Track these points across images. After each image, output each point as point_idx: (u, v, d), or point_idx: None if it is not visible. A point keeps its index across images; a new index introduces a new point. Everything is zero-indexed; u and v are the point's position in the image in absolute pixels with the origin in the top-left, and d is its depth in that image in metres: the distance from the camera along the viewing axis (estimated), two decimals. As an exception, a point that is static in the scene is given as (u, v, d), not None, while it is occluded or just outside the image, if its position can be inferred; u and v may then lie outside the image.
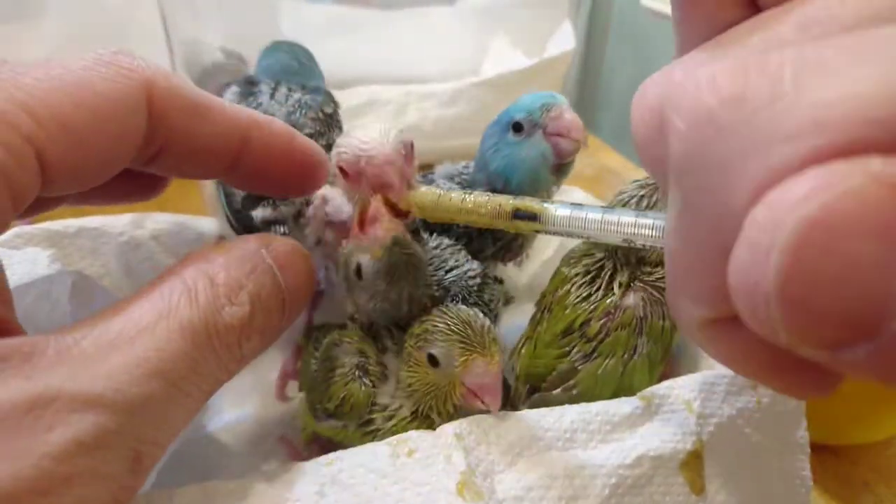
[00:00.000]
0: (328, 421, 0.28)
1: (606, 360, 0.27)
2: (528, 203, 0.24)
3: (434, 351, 0.25)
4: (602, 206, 0.23)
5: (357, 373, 0.27)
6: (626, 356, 0.27)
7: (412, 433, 0.23)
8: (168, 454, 0.28)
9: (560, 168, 0.30)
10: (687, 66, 0.14)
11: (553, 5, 0.65)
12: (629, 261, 0.29)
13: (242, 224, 0.33)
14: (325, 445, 0.32)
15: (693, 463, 0.23)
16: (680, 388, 0.25)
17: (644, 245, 0.22)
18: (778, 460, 0.25)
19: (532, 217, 0.24)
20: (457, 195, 0.26)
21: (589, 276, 0.29)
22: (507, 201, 0.25)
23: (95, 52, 0.20)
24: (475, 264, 0.31)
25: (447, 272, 0.30)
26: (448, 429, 0.22)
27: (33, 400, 0.15)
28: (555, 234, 0.24)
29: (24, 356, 0.16)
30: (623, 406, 0.24)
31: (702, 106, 0.12)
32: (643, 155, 0.16)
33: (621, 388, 0.27)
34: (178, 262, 0.20)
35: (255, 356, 0.21)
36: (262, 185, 0.25)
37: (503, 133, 0.31)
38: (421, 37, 0.62)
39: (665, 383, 0.25)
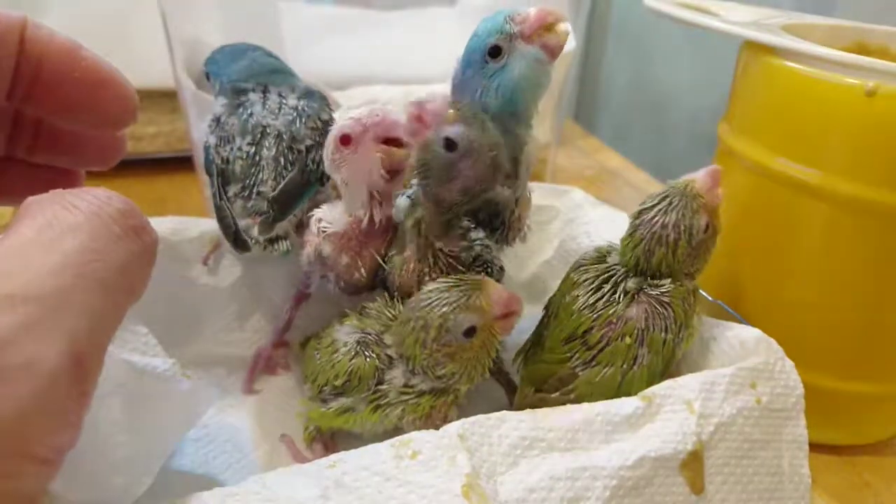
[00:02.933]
0: (337, 401, 0.29)
1: (605, 369, 0.28)
2: None
3: (466, 324, 0.26)
4: None
5: (359, 348, 0.28)
6: (625, 366, 0.27)
7: (414, 434, 0.23)
8: (168, 456, 0.28)
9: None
10: None
11: (553, 5, 0.65)
12: (638, 270, 0.29)
13: (241, 244, 0.33)
14: (327, 445, 0.32)
15: (693, 463, 0.23)
16: (681, 388, 0.25)
17: None
18: (777, 459, 0.25)
19: None
20: None
21: (596, 284, 0.29)
22: None
23: None
24: (497, 253, 0.32)
25: (475, 240, 0.31)
26: (451, 429, 0.23)
27: None
28: None
29: None
30: (624, 406, 0.24)
31: None
32: None
33: (618, 398, 0.27)
34: (32, 204, 0.19)
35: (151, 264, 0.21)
36: (53, 104, 0.23)
37: (482, 68, 0.29)
38: (421, 37, 0.62)
39: (666, 383, 0.25)
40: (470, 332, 0.26)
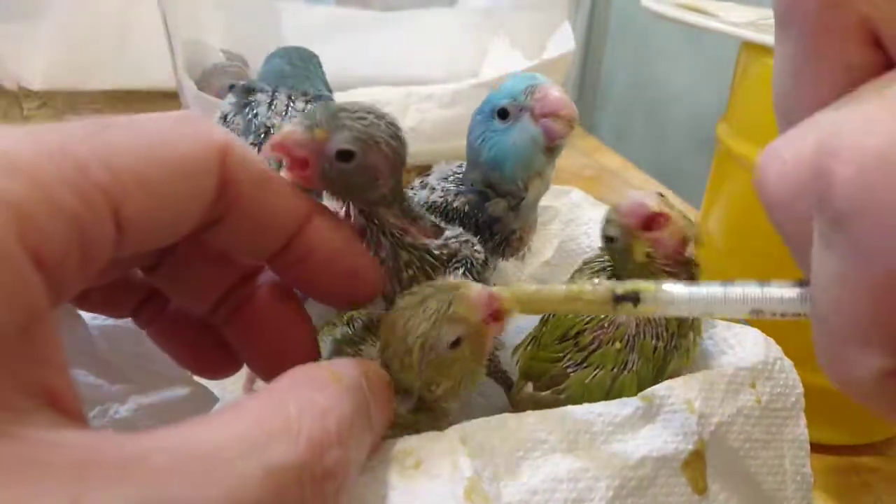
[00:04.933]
0: None
1: (595, 371, 0.28)
2: (639, 285, 0.23)
3: (450, 337, 0.24)
4: (719, 283, 0.22)
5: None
6: (615, 370, 0.27)
7: (414, 441, 0.22)
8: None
9: (553, 149, 0.30)
10: (836, 116, 0.15)
11: (553, 6, 0.65)
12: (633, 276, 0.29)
13: None
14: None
15: (695, 463, 0.23)
16: (680, 388, 0.25)
17: (775, 315, 0.21)
18: (779, 457, 0.25)
19: (637, 299, 0.22)
20: (558, 286, 0.25)
21: None
22: (614, 286, 0.23)
23: (176, 113, 0.20)
24: (482, 249, 0.31)
25: (450, 238, 0.29)
26: (452, 433, 0.22)
27: None
28: (674, 314, 0.24)
29: (73, 462, 0.13)
30: (625, 407, 0.24)
31: (869, 148, 0.13)
32: (778, 215, 0.16)
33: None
34: (283, 378, 0.18)
35: None
36: (304, 282, 0.24)
37: (488, 121, 0.30)
38: (421, 38, 0.62)
39: (665, 383, 0.25)
40: (455, 343, 0.24)
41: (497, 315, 0.25)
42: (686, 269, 0.28)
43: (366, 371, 0.20)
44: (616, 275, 0.29)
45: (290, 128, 0.24)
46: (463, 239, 0.30)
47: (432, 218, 0.30)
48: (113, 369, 0.30)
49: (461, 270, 0.29)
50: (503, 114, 0.29)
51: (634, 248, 0.27)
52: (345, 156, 0.24)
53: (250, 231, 0.22)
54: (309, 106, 0.35)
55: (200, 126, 0.20)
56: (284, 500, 0.15)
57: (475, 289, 0.25)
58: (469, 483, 0.21)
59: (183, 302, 0.25)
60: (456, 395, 0.26)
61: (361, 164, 0.24)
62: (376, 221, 0.27)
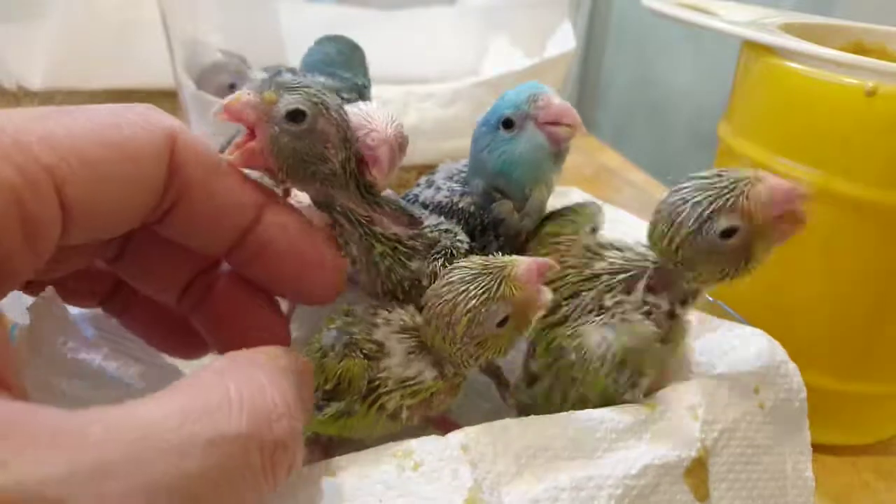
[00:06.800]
0: (330, 406, 0.28)
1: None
2: None
3: (500, 315, 0.24)
4: None
5: (347, 350, 0.27)
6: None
7: (414, 444, 0.22)
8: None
9: (559, 154, 0.30)
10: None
11: (553, 5, 0.65)
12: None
13: None
14: (325, 447, 0.32)
15: (697, 470, 0.23)
16: (684, 394, 0.25)
17: None
18: (780, 463, 0.25)
19: None
20: None
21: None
22: None
23: (126, 104, 0.20)
24: (466, 238, 0.30)
25: (425, 227, 0.29)
26: (454, 440, 0.22)
27: None
28: None
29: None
30: (627, 413, 0.24)
31: None
32: None
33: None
34: (221, 359, 0.19)
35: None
36: (263, 276, 0.24)
37: (494, 131, 0.30)
38: (421, 37, 0.62)
39: (668, 389, 0.25)
40: (503, 322, 0.25)
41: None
42: None
43: (295, 358, 0.21)
44: (672, 284, 0.26)
45: (239, 92, 0.24)
46: (443, 228, 0.30)
47: (404, 205, 0.30)
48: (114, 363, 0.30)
49: (441, 261, 0.28)
50: (508, 123, 0.30)
51: (759, 245, 0.24)
52: (295, 116, 0.24)
53: (202, 221, 0.22)
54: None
55: (148, 112, 0.20)
56: (231, 470, 0.15)
57: (524, 265, 0.25)
58: (469, 494, 0.21)
59: (147, 292, 0.25)
60: (485, 362, 0.26)
61: (311, 127, 0.24)
62: (339, 209, 0.27)
